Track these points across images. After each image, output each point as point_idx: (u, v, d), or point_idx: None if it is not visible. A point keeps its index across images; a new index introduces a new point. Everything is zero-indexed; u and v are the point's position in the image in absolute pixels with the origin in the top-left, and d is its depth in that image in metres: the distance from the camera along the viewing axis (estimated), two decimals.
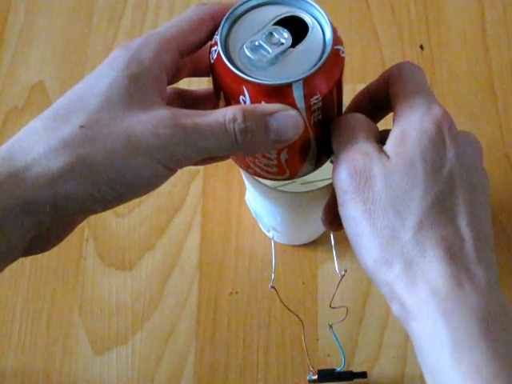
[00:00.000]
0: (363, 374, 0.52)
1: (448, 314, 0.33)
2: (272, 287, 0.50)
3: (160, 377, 0.54)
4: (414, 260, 0.35)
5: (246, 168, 0.45)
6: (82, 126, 0.34)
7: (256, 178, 0.46)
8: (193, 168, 0.61)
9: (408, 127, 0.37)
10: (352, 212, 0.36)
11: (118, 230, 0.59)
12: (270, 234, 0.54)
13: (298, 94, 0.38)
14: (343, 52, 0.40)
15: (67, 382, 0.54)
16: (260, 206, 0.52)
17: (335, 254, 0.51)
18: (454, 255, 0.35)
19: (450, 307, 0.33)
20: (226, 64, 0.38)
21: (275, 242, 0.55)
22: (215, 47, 0.39)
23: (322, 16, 0.39)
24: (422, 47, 0.66)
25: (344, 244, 0.57)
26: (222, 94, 0.40)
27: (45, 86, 0.65)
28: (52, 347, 0.55)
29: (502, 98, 0.63)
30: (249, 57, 0.38)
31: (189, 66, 0.42)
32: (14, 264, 0.58)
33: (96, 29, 0.68)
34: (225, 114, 0.36)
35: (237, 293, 0.56)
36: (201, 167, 0.61)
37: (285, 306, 0.51)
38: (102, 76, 0.36)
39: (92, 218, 0.59)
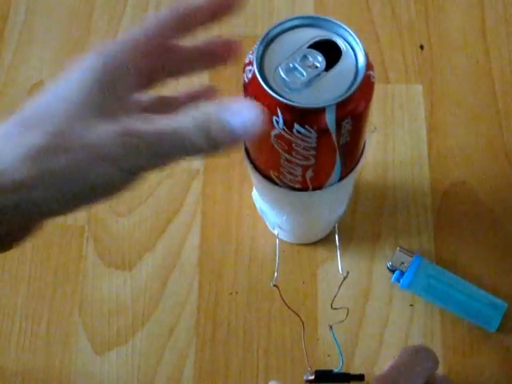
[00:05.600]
0: (360, 377, 0.51)
1: None
2: (274, 285, 0.50)
3: (160, 376, 0.54)
4: None
5: (268, 177, 0.46)
6: (49, 134, 0.35)
7: (262, 176, 0.46)
8: (193, 168, 0.61)
9: None
10: None
11: (118, 230, 0.59)
12: (275, 232, 0.54)
13: (330, 117, 0.39)
14: (374, 77, 0.41)
15: (67, 382, 0.54)
16: (266, 204, 0.52)
17: (339, 255, 0.51)
18: None
19: None
20: (261, 84, 0.39)
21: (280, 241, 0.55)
22: (250, 67, 0.40)
23: (355, 41, 0.40)
24: (422, 47, 0.66)
25: (344, 244, 0.57)
26: None
27: (45, 86, 0.65)
28: (52, 347, 0.55)
29: (501, 98, 0.63)
30: (283, 78, 0.39)
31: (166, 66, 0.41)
32: (14, 264, 0.59)
33: (96, 29, 0.68)
34: (185, 120, 0.36)
35: (237, 293, 0.56)
36: (201, 167, 0.61)
37: (286, 304, 0.51)
38: (73, 81, 0.36)
39: (92, 218, 0.59)
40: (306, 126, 0.39)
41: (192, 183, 0.60)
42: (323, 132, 0.40)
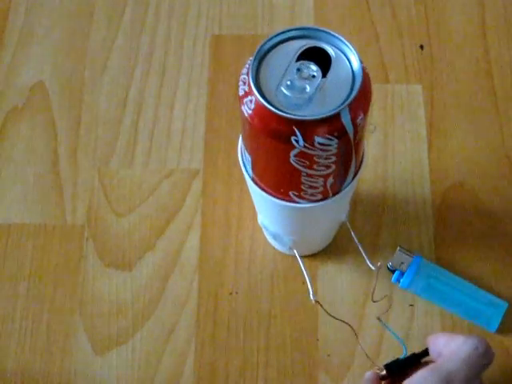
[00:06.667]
0: (425, 352, 0.49)
1: None
2: (316, 301, 0.49)
3: (160, 376, 0.54)
4: None
5: (286, 199, 0.46)
6: None
7: (279, 200, 0.46)
8: (193, 168, 0.61)
9: None
10: None
11: (118, 230, 0.59)
12: (294, 251, 0.53)
13: (346, 119, 0.39)
14: (366, 68, 0.41)
15: (67, 382, 0.54)
16: (278, 226, 0.52)
17: (362, 249, 0.50)
18: None
19: None
20: (270, 110, 0.39)
21: (292, 255, 0.54)
22: (250, 97, 0.40)
23: (342, 42, 0.41)
24: (422, 47, 0.66)
25: (344, 244, 0.57)
26: (265, 141, 0.41)
27: (45, 86, 0.65)
28: (52, 347, 0.55)
29: (502, 98, 0.63)
30: (288, 97, 0.39)
31: None
32: (14, 264, 0.58)
33: (96, 29, 0.68)
34: None
35: (237, 293, 0.56)
36: (201, 167, 0.61)
37: (332, 316, 0.49)
38: None
39: (92, 218, 0.59)
40: (327, 135, 0.39)
41: (192, 183, 0.60)
42: (342, 136, 0.40)
